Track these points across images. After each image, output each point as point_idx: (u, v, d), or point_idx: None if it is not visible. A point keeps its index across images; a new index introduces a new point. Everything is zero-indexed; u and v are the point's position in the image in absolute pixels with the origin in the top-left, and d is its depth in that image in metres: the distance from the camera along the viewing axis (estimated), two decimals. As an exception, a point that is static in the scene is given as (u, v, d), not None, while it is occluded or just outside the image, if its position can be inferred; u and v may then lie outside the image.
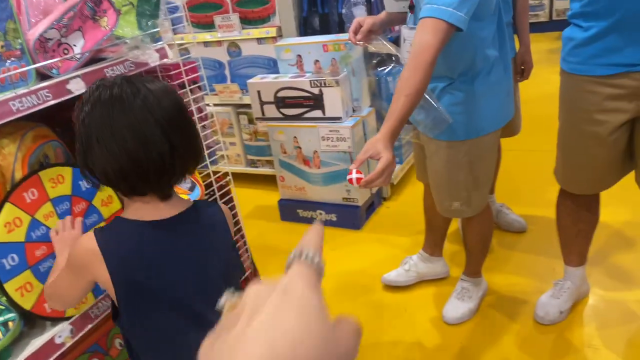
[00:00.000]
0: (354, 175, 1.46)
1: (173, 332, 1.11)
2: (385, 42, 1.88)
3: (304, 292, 0.36)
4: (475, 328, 2.04)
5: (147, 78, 1.13)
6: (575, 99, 1.67)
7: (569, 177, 1.82)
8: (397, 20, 1.92)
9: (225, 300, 0.42)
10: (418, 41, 1.51)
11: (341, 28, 2.90)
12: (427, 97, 1.67)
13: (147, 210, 1.09)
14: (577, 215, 1.87)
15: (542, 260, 2.36)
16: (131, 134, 1.02)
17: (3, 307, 1.24)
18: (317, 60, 2.72)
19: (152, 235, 1.08)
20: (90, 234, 1.06)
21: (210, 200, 1.16)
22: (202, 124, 1.87)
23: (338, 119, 2.72)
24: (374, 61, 2.69)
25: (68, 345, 1.33)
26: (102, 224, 1.40)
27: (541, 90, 3.49)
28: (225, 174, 1.97)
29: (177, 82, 1.77)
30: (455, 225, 2.62)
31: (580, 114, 1.67)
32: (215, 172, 1.93)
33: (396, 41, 2.02)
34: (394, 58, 1.88)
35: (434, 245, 2.32)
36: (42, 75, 1.32)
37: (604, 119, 1.61)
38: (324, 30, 2.94)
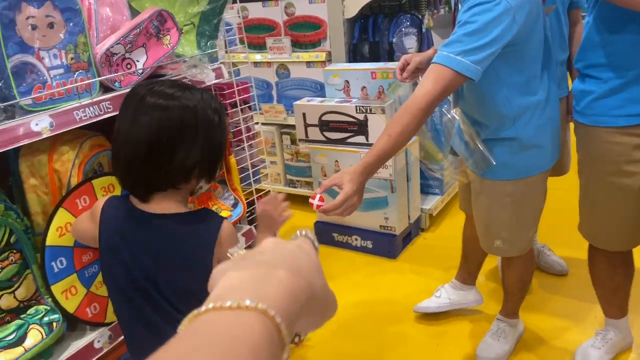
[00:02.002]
0: (315, 201, 1.46)
1: (119, 313, 1.22)
2: None
3: (310, 250, 0.56)
4: (509, 371, 1.98)
5: (195, 89, 1.20)
6: (600, 152, 1.60)
7: (598, 233, 1.75)
8: None
9: (234, 251, 0.56)
10: (419, 86, 1.49)
11: (390, 57, 2.92)
12: (470, 138, 1.67)
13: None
14: (613, 271, 1.79)
15: (583, 306, 2.27)
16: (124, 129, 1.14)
17: (49, 308, 1.28)
18: (364, 87, 2.74)
19: (127, 217, 1.17)
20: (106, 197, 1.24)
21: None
22: (249, 143, 1.91)
23: (381, 146, 2.72)
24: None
25: (105, 350, 1.36)
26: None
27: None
28: (267, 192, 2.00)
29: (229, 101, 1.82)
30: (494, 262, 2.57)
31: (607, 167, 1.60)
32: (257, 190, 1.97)
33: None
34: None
35: (467, 274, 2.27)
36: (105, 88, 1.38)
37: (634, 170, 1.55)
38: (373, 57, 2.97)
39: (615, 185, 1.60)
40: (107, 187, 1.36)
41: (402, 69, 1.90)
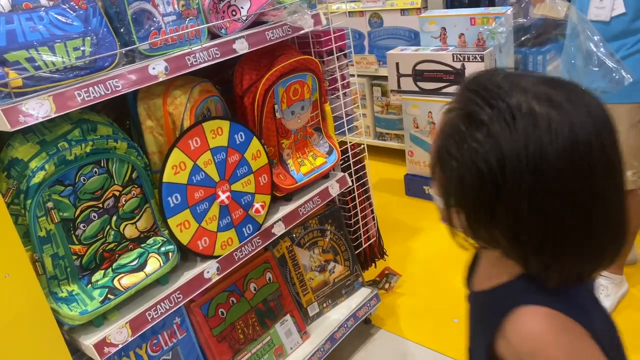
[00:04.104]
0: None
1: None
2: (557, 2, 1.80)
3: None
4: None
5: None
6: None
7: None
8: None
9: None
10: None
11: (491, 2, 2.77)
12: (602, 57, 1.64)
13: None
14: None
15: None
16: None
17: (165, 239, 1.40)
18: (462, 34, 2.63)
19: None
20: None
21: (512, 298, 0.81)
22: (344, 91, 1.92)
23: (477, 96, 2.63)
24: (523, 38, 2.55)
25: (214, 280, 1.48)
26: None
27: None
28: (358, 145, 2.01)
29: (325, 48, 1.83)
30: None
31: None
32: (351, 143, 1.98)
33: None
34: (555, 31, 1.79)
35: None
36: (212, 35, 1.44)
37: None
38: (473, 3, 2.83)
39: None
40: (215, 130, 1.44)
41: None
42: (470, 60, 2.55)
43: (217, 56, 1.39)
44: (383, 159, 3.57)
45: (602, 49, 1.68)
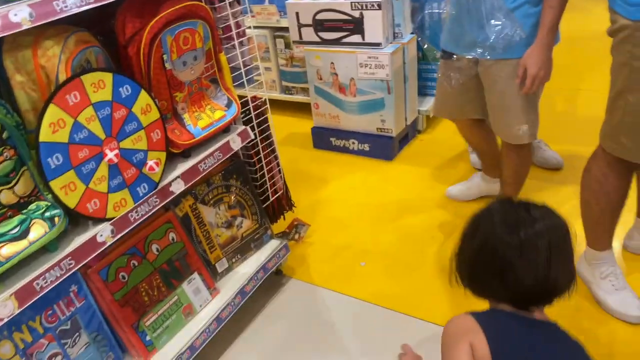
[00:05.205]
0: None
1: None
2: None
3: None
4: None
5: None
6: None
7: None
8: None
9: None
10: None
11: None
12: (506, 11, 1.72)
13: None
14: (627, 184, 1.69)
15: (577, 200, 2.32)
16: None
17: (49, 204, 1.30)
18: (359, -18, 2.62)
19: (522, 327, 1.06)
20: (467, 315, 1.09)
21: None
22: (240, 40, 1.85)
23: (378, 45, 2.65)
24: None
25: (109, 244, 1.41)
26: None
27: (592, 29, 3.29)
28: (259, 98, 1.97)
29: (216, -6, 1.74)
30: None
31: None
32: (253, 97, 1.93)
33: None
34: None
35: (490, 167, 2.33)
36: (85, -23, 1.31)
37: None
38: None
39: None
40: (97, 83, 1.33)
41: None
42: (368, 8, 2.55)
43: (90, 1, 1.27)
44: (291, 113, 3.54)
45: (501, 3, 1.72)
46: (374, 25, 2.60)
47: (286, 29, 3.07)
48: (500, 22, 1.74)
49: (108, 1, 1.31)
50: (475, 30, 1.80)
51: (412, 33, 2.83)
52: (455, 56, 1.94)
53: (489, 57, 1.81)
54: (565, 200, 2.30)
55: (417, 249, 2.18)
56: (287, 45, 3.30)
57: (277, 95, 3.55)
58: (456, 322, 1.10)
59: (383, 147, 2.89)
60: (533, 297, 1.07)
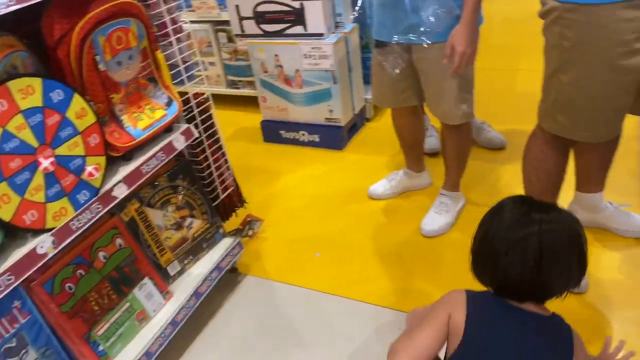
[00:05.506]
0: None
1: None
2: None
3: None
4: (451, 241, 2.11)
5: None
6: (607, 34, 1.38)
7: (579, 127, 1.57)
8: None
9: None
10: None
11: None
12: None
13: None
14: (565, 160, 1.75)
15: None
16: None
17: (-19, 219, 1.24)
18: (297, -28, 2.60)
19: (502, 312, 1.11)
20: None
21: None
22: (177, 36, 1.81)
23: (320, 35, 2.65)
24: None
25: (51, 255, 1.35)
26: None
27: (526, 9, 3.40)
28: (201, 94, 1.93)
29: (149, -10, 1.68)
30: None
31: (616, 50, 1.39)
32: (195, 94, 1.89)
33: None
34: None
35: (416, 160, 2.36)
36: (2, -21, 1.24)
37: None
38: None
39: (624, 68, 1.40)
40: (25, 90, 1.27)
41: None
42: (309, -1, 2.54)
43: (11, 3, 1.21)
44: (239, 108, 3.50)
45: None
46: (315, 15, 2.59)
47: (228, 23, 3.02)
48: (431, 7, 1.76)
49: (33, 2, 1.25)
50: (408, 17, 1.82)
51: (353, 22, 2.84)
52: (388, 44, 1.95)
53: (425, 41, 1.84)
54: (511, 179, 2.38)
55: (369, 236, 2.21)
56: (230, 39, 3.25)
57: (223, 90, 3.50)
58: (450, 294, 1.16)
59: (333, 137, 2.90)
60: (520, 293, 1.10)
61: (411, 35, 1.85)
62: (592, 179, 1.93)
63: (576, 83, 1.50)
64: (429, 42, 1.83)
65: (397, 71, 1.98)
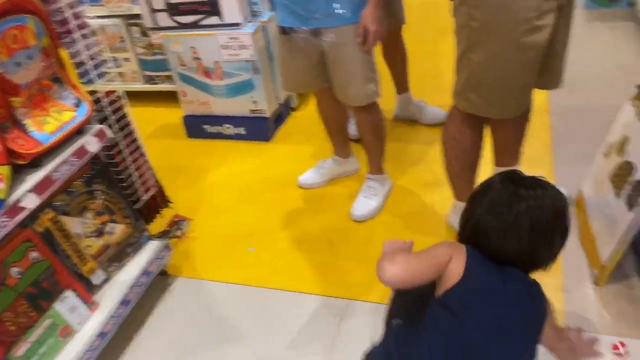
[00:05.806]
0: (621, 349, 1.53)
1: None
2: None
3: None
4: (381, 223, 2.14)
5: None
6: (511, 14, 1.45)
7: (493, 104, 1.64)
8: None
9: None
10: None
11: None
12: None
13: None
14: (481, 138, 1.81)
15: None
16: None
17: None
18: (208, -39, 2.52)
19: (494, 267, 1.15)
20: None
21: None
22: (81, 32, 1.70)
23: (237, 25, 2.59)
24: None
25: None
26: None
27: (441, -9, 3.50)
28: (113, 92, 1.83)
29: (45, -16, 1.57)
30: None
31: (519, 28, 1.46)
32: (107, 92, 1.79)
33: None
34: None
35: (343, 146, 2.37)
36: None
37: (545, 23, 1.46)
38: None
39: (527, 45, 1.48)
40: None
41: None
42: (222, -12, 2.47)
43: None
44: (159, 104, 3.37)
45: None
46: (231, 4, 2.53)
47: (140, 16, 2.88)
48: None
49: None
50: (314, 1, 1.81)
51: (271, 10, 2.80)
52: (294, 31, 1.94)
53: (330, 25, 1.84)
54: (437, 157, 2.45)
55: (301, 226, 2.20)
56: (144, 33, 3.11)
57: (141, 86, 3.36)
58: (453, 241, 1.21)
59: (259, 129, 2.86)
60: (504, 259, 1.15)
61: (316, 19, 1.84)
62: (508, 153, 2.02)
63: (485, 62, 1.56)
64: (334, 25, 1.83)
65: (304, 56, 1.97)
